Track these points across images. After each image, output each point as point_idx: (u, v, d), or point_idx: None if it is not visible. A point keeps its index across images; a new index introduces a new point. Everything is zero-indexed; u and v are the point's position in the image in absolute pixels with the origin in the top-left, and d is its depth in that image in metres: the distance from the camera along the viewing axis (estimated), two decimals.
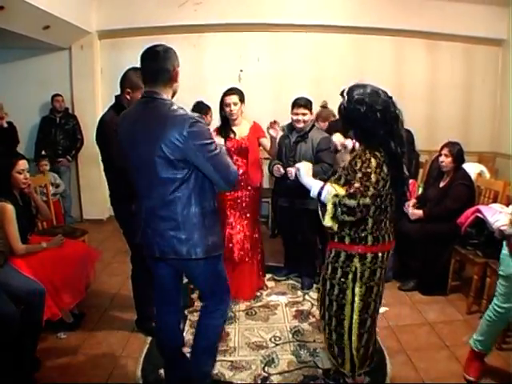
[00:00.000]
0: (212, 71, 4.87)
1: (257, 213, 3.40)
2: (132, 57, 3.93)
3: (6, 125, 4.35)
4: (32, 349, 2.39)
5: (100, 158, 2.49)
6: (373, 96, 1.77)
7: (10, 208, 2.55)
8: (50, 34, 4.18)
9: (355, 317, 1.94)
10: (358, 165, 1.82)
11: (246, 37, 4.90)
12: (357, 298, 1.92)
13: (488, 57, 5.09)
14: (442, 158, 3.24)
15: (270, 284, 3.52)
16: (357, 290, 1.92)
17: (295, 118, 3.19)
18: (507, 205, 3.24)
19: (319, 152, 3.18)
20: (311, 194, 1.89)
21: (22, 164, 2.77)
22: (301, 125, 3.19)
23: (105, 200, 4.42)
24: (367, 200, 1.74)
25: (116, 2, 4.68)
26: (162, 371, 2.37)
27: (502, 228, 2.89)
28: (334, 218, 1.79)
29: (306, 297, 3.30)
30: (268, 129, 3.04)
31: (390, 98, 1.83)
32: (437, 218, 3.17)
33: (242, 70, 4.96)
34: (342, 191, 1.80)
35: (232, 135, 3.12)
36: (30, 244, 2.71)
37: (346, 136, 2.20)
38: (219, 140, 2.90)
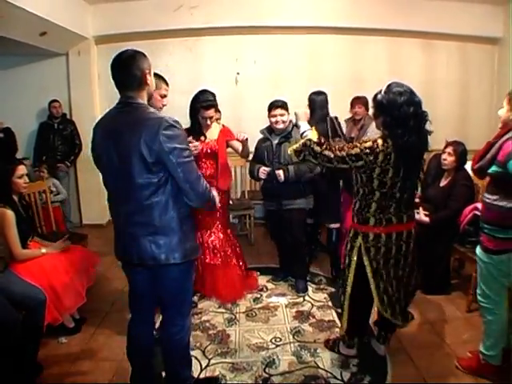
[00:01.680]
0: (209, 74, 4.87)
1: (226, 216, 3.41)
2: None
3: (1, 135, 4.39)
4: (33, 354, 2.40)
5: None
6: (410, 93, 2.00)
7: (10, 214, 2.57)
8: (47, 40, 4.18)
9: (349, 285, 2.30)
10: (360, 141, 2.12)
11: (242, 40, 4.91)
12: (352, 268, 2.27)
13: (483, 55, 5.10)
14: (444, 156, 3.24)
15: (270, 285, 3.52)
16: (353, 262, 2.25)
17: (274, 119, 3.20)
18: None
19: None
20: (300, 132, 2.30)
21: (22, 169, 2.80)
22: (280, 125, 3.19)
23: (104, 205, 4.42)
24: (331, 154, 2.07)
25: (112, 7, 4.68)
26: (164, 373, 2.37)
27: None
28: (300, 153, 2.20)
29: (306, 297, 3.31)
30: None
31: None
32: (443, 222, 3.18)
33: (238, 73, 4.98)
34: (315, 138, 2.16)
35: (202, 138, 3.10)
36: (30, 249, 2.72)
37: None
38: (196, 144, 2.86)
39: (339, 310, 2.55)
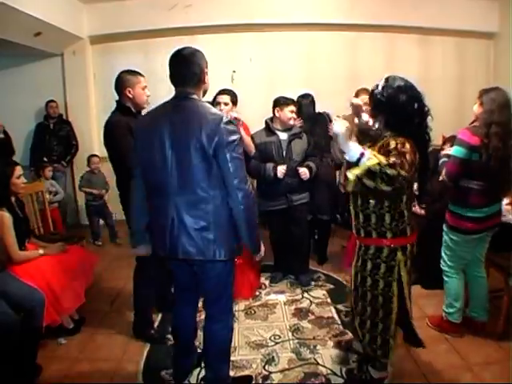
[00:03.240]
0: None
1: None
2: (124, 61, 3.99)
3: (1, 135, 4.39)
4: (32, 355, 2.39)
5: (108, 159, 2.54)
6: (413, 88, 1.89)
7: (7, 216, 2.57)
8: (42, 40, 4.18)
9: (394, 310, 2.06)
10: (392, 145, 1.84)
11: (238, 38, 4.91)
12: (395, 292, 2.02)
13: (480, 50, 5.11)
14: (442, 152, 3.26)
15: (269, 283, 3.52)
16: (395, 284, 2.00)
17: (289, 115, 3.20)
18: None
19: (314, 149, 3.27)
20: (348, 158, 1.85)
21: (19, 170, 2.81)
22: (292, 122, 3.23)
23: None
24: (404, 173, 1.73)
25: (107, 7, 4.66)
26: (163, 373, 2.39)
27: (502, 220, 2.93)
28: (360, 181, 1.75)
29: (305, 294, 3.31)
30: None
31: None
32: (438, 214, 3.18)
33: (234, 71, 4.97)
34: (383, 160, 1.75)
35: None
36: (28, 251, 2.72)
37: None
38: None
39: (362, 335, 2.21)
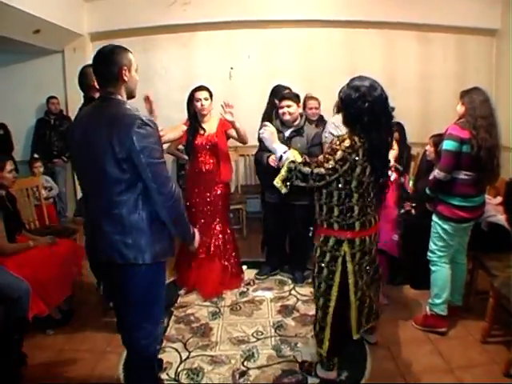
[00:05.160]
0: (203, 70, 4.87)
1: (227, 209, 3.47)
2: None
3: (1, 131, 4.49)
4: (18, 345, 2.44)
5: None
6: (368, 88, 1.91)
7: None
8: (42, 37, 4.24)
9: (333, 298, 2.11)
10: (333, 142, 2.01)
11: (236, 34, 4.91)
12: (336, 282, 2.09)
13: (481, 47, 5.00)
14: (427, 148, 3.30)
15: (257, 280, 3.54)
16: (337, 273, 2.08)
17: (281, 111, 3.18)
18: (495, 196, 3.23)
19: (312, 146, 3.20)
20: (275, 157, 2.12)
21: (10, 164, 2.89)
22: (287, 117, 3.17)
23: None
24: (321, 170, 1.91)
25: (107, 4, 4.72)
26: None
27: (489, 220, 2.91)
28: (287, 181, 1.99)
29: (292, 292, 3.32)
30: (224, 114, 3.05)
31: (386, 96, 1.96)
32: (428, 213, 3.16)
33: (232, 68, 4.97)
34: (299, 158, 2.00)
35: (202, 131, 3.17)
36: (17, 243, 2.79)
37: None
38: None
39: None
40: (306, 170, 1.93)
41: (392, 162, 2.64)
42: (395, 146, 2.96)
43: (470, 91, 2.61)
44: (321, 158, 1.95)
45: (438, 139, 3.20)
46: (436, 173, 2.58)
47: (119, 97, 1.74)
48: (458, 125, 2.55)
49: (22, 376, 2.36)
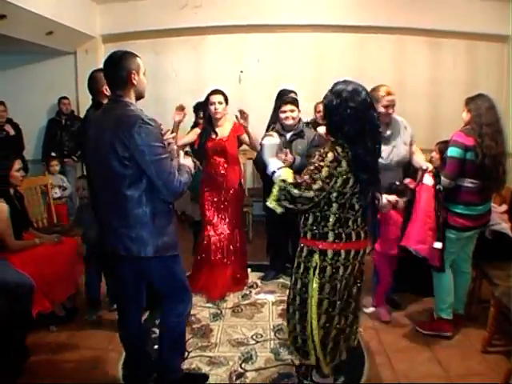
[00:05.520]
0: (212, 73, 4.92)
1: (238, 213, 3.46)
2: None
3: (12, 132, 4.59)
4: (20, 339, 2.49)
5: None
6: (351, 93, 1.80)
7: (4, 207, 2.68)
8: (54, 39, 4.33)
9: (313, 311, 1.98)
10: (315, 157, 1.87)
11: (246, 38, 4.96)
12: (314, 294, 1.96)
13: (492, 53, 4.95)
14: (432, 155, 3.25)
15: (260, 282, 3.55)
16: (314, 285, 1.95)
17: (284, 115, 3.18)
18: (500, 204, 3.19)
19: (312, 148, 3.17)
20: (267, 171, 1.94)
21: (18, 163, 2.96)
22: (290, 121, 3.17)
23: None
24: (310, 193, 1.78)
25: (119, 6, 4.80)
26: None
27: (493, 228, 2.88)
28: (280, 201, 1.84)
29: None
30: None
31: (371, 100, 1.87)
32: None
33: (242, 72, 5.02)
34: (290, 178, 1.83)
35: (214, 135, 3.19)
36: (23, 240, 2.85)
37: None
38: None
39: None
40: (296, 192, 1.78)
41: (430, 167, 2.57)
42: (418, 150, 2.89)
43: (475, 98, 2.59)
44: (307, 178, 1.80)
45: (443, 146, 3.17)
46: (442, 180, 2.54)
47: (127, 99, 1.85)
48: (463, 132, 2.54)
49: (24, 370, 2.41)
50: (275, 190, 1.84)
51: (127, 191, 1.80)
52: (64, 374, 2.44)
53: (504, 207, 3.14)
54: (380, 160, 2.27)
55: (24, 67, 5.12)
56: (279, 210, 1.85)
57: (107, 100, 2.02)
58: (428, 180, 2.51)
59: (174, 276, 2.05)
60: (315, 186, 1.78)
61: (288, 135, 3.23)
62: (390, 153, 2.72)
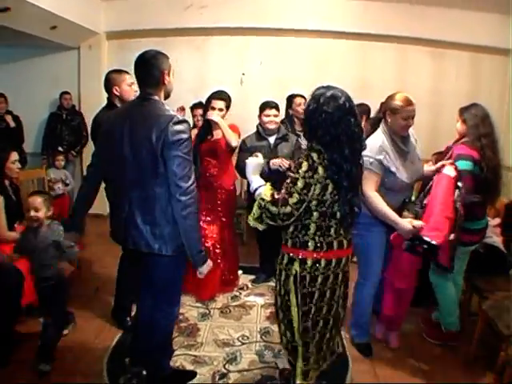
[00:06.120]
0: (215, 74, 4.95)
1: (230, 215, 3.48)
2: None
3: (13, 124, 4.62)
4: (8, 330, 2.49)
5: None
6: (329, 98, 1.76)
7: None
8: (58, 33, 4.37)
9: (295, 318, 1.96)
10: (292, 168, 1.86)
11: (249, 41, 4.98)
12: (294, 301, 1.93)
13: (495, 66, 4.95)
14: (428, 165, 3.24)
15: (251, 285, 3.56)
16: (293, 293, 1.92)
17: (268, 119, 3.26)
18: (493, 217, 3.18)
19: (296, 150, 3.26)
20: (250, 189, 1.99)
21: (14, 155, 2.98)
22: (273, 126, 3.26)
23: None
24: (288, 209, 1.76)
25: (124, 4, 4.84)
26: (127, 360, 2.39)
27: (485, 241, 2.87)
28: (261, 218, 1.85)
29: None
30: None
31: (351, 107, 1.80)
32: None
33: (244, 74, 5.04)
34: (268, 196, 1.83)
35: (209, 137, 3.22)
36: (15, 232, 2.86)
37: None
38: None
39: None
40: (273, 209, 1.77)
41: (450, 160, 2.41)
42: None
43: (469, 108, 2.55)
44: (284, 192, 1.78)
45: (440, 157, 3.18)
46: (472, 197, 2.43)
47: (157, 98, 1.90)
48: (465, 144, 2.49)
49: (10, 361, 2.41)
50: (255, 209, 1.86)
51: (157, 188, 1.85)
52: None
53: (497, 220, 3.14)
54: (402, 179, 2.35)
55: (27, 60, 5.15)
56: (261, 227, 1.88)
57: (122, 101, 2.19)
58: (449, 171, 2.33)
59: (179, 277, 2.11)
60: (292, 201, 1.76)
61: (271, 139, 3.29)
62: (412, 171, 2.44)
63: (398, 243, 2.36)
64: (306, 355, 2.01)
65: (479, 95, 4.85)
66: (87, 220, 4.54)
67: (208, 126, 3.22)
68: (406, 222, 2.22)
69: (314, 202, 1.80)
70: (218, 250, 3.31)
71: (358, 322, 2.69)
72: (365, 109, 3.93)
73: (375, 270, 2.55)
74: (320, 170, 1.76)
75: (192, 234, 1.91)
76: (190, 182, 1.84)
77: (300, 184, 1.75)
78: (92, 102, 5.00)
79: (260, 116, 3.33)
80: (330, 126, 1.76)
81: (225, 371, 2.43)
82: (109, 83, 2.70)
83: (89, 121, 4.88)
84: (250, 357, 2.57)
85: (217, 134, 3.23)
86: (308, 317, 1.93)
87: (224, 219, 3.35)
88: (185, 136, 1.82)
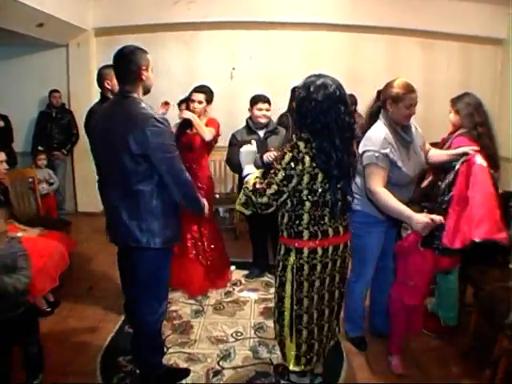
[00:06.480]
0: (205, 69, 4.90)
1: (209, 209, 3.44)
2: None
3: (2, 123, 4.59)
4: None
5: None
6: (319, 86, 1.74)
7: None
8: (46, 31, 4.30)
9: (287, 308, 1.98)
10: (276, 159, 1.86)
11: (239, 35, 4.93)
12: (289, 292, 1.94)
13: (486, 56, 4.95)
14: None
15: (244, 280, 3.55)
16: (289, 283, 1.93)
17: (260, 113, 3.24)
18: None
19: (286, 143, 3.23)
20: (242, 176, 2.02)
21: (1, 155, 2.93)
22: (264, 120, 3.25)
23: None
24: (264, 199, 1.79)
25: (112, 0, 4.78)
26: (120, 359, 2.45)
27: None
28: (246, 204, 1.91)
29: None
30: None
31: (342, 95, 1.77)
32: None
33: (234, 68, 5.00)
34: (251, 185, 1.86)
35: (188, 130, 3.22)
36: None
37: None
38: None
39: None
40: (254, 198, 1.81)
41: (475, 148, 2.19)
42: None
43: (461, 97, 2.49)
44: (265, 182, 1.80)
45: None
46: None
47: (135, 95, 1.89)
48: (464, 136, 2.41)
49: None
50: (241, 194, 1.93)
51: (139, 186, 1.86)
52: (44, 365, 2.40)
53: None
54: (408, 173, 2.21)
55: (16, 59, 5.07)
56: (247, 212, 1.95)
57: (115, 94, 2.11)
58: (480, 160, 2.11)
59: (165, 268, 2.11)
60: (269, 191, 1.78)
61: (261, 133, 3.29)
62: (415, 163, 2.29)
63: (405, 251, 2.21)
64: (299, 342, 2.00)
65: (470, 85, 4.84)
66: (78, 219, 4.56)
67: (187, 121, 3.21)
68: (422, 216, 1.95)
69: (305, 192, 1.80)
70: (199, 245, 3.30)
71: (351, 317, 2.66)
72: (352, 100, 3.92)
73: (369, 270, 2.50)
74: (306, 159, 1.75)
75: (195, 201, 2.08)
76: (184, 176, 1.93)
77: (280, 175, 1.77)
78: (82, 100, 4.98)
79: (251, 109, 3.30)
80: (319, 113, 1.74)
81: (219, 368, 2.41)
82: (101, 77, 2.77)
83: (79, 118, 4.92)
84: (243, 353, 2.56)
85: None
86: (302, 304, 1.94)
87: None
88: (166, 136, 1.84)
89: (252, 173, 1.96)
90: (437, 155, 2.40)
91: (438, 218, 1.94)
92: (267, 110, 3.25)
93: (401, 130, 2.22)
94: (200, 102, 3.18)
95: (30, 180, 3.79)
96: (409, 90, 2.16)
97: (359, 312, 2.65)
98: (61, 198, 4.92)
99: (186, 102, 3.30)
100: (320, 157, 1.76)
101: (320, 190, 1.81)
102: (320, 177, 1.79)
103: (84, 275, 3.61)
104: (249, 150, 2.09)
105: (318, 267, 1.91)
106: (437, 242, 2.09)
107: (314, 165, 1.76)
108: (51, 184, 4.47)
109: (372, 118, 2.32)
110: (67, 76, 5.04)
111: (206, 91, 3.22)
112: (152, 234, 1.92)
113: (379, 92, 2.34)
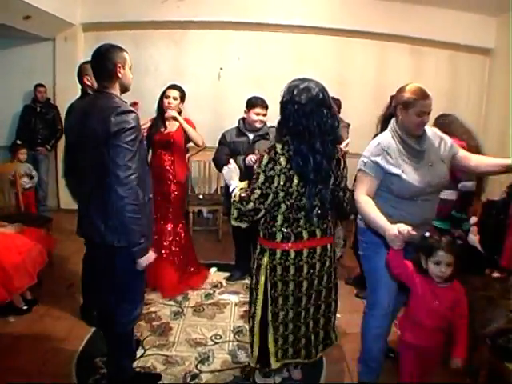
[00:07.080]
0: (192, 68, 4.89)
1: (182, 208, 3.50)
2: None
3: None
4: None
5: None
6: (302, 90, 1.75)
7: None
8: (33, 24, 4.23)
9: (258, 307, 2.01)
10: (257, 162, 1.90)
11: (228, 35, 4.91)
12: (261, 290, 1.97)
13: (474, 65, 5.00)
14: None
15: (225, 282, 3.53)
16: (261, 283, 1.96)
17: (256, 117, 3.21)
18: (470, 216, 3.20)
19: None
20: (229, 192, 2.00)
21: None
22: (260, 125, 3.23)
23: None
24: (250, 205, 1.81)
25: None
26: (97, 360, 2.42)
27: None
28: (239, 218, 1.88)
29: None
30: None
31: (325, 98, 1.77)
32: None
33: (221, 68, 4.98)
34: (237, 196, 1.87)
35: (162, 129, 3.21)
36: None
37: None
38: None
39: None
40: (241, 208, 1.83)
41: None
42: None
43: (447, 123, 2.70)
44: (249, 190, 1.83)
45: None
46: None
47: (112, 91, 1.89)
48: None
49: None
50: (232, 209, 1.89)
51: (105, 180, 1.80)
52: (17, 364, 2.38)
53: (474, 219, 3.14)
54: (414, 183, 1.93)
55: (1, 51, 4.97)
56: (243, 225, 1.90)
57: (94, 90, 2.09)
58: None
59: (132, 269, 1.99)
60: (253, 197, 1.80)
61: (251, 135, 3.27)
62: (425, 174, 1.98)
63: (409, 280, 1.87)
64: (276, 337, 2.03)
65: (458, 93, 4.92)
66: (60, 216, 4.48)
67: (161, 118, 3.20)
68: (394, 228, 1.66)
69: (281, 194, 1.82)
70: (173, 248, 3.31)
71: (364, 358, 2.28)
72: (336, 103, 3.92)
73: (383, 297, 2.11)
74: (282, 160, 1.77)
75: (130, 227, 1.81)
76: (129, 173, 1.77)
77: (261, 178, 1.79)
78: (67, 95, 4.81)
79: (248, 112, 3.25)
80: (301, 116, 1.75)
81: (197, 372, 2.39)
82: (81, 73, 2.73)
83: (64, 114, 4.84)
84: (222, 357, 2.54)
85: (171, 127, 3.23)
86: (277, 303, 1.97)
87: (176, 212, 3.33)
88: (127, 126, 1.78)
89: (237, 186, 1.97)
90: (483, 165, 2.08)
91: (405, 228, 1.62)
92: (264, 115, 3.22)
93: (411, 138, 1.98)
94: (175, 98, 3.19)
95: (11, 174, 3.72)
96: (421, 95, 1.91)
97: (374, 354, 2.21)
98: (43, 194, 4.84)
99: (161, 100, 3.26)
100: (296, 159, 1.77)
101: (296, 194, 1.82)
102: (296, 179, 1.80)
103: (64, 273, 3.56)
104: (230, 169, 2.10)
105: (292, 269, 1.92)
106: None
107: (289, 167, 1.78)
108: (32, 178, 4.40)
109: (383, 125, 2.17)
110: (53, 70, 4.96)
111: (179, 89, 3.24)
112: (118, 231, 1.85)
113: (392, 97, 2.16)
